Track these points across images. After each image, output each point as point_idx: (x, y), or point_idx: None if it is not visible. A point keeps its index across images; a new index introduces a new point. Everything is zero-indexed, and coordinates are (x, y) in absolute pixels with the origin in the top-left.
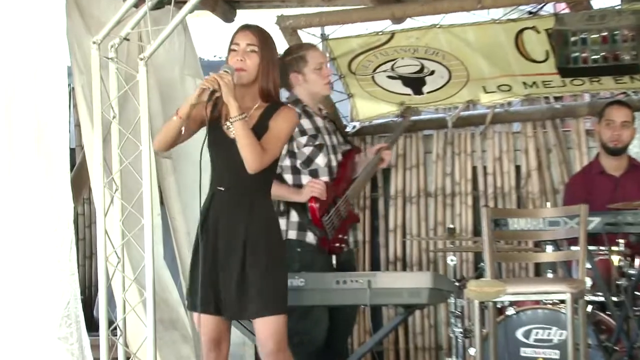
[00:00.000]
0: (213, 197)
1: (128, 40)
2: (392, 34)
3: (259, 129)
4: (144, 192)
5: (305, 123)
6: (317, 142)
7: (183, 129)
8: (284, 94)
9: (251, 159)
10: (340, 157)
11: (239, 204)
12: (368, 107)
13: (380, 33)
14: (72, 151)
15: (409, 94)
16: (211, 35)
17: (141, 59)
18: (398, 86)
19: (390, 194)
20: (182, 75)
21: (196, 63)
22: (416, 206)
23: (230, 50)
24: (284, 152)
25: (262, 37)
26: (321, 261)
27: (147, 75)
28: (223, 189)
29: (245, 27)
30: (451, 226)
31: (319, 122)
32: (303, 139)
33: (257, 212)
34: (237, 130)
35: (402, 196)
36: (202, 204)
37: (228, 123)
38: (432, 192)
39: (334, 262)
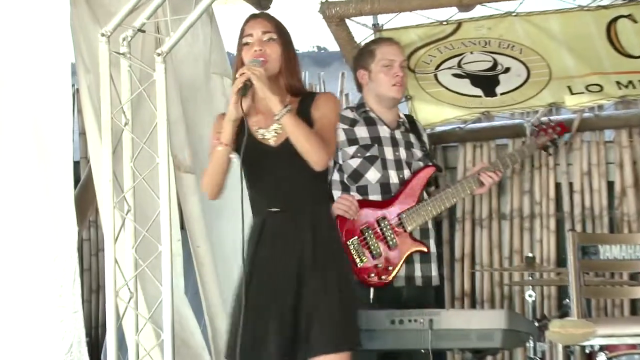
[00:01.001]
0: (265, 222)
1: (143, 32)
2: (459, 24)
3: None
4: (162, 214)
5: (361, 131)
6: (367, 154)
7: (232, 157)
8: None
9: (315, 151)
10: (407, 173)
11: (299, 226)
12: (429, 112)
13: (445, 22)
14: (77, 164)
15: (479, 96)
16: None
17: (159, 55)
18: (466, 86)
19: (457, 215)
20: (207, 73)
21: (224, 59)
22: (487, 231)
23: (242, 45)
24: (331, 163)
25: (278, 24)
26: None
27: (165, 74)
28: (278, 210)
29: (255, 16)
30: (530, 255)
31: (384, 131)
32: (351, 150)
33: (321, 232)
34: (288, 125)
35: (471, 218)
36: (244, 231)
37: (263, 131)
38: (506, 213)
39: (371, 295)
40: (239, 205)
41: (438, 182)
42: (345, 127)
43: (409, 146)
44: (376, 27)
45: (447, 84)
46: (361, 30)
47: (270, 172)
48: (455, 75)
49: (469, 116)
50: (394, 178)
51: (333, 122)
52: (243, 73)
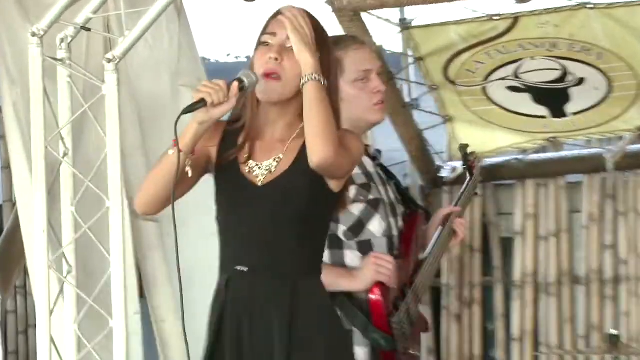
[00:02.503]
0: (229, 284)
1: (88, 30)
2: (516, 19)
3: (305, 168)
4: (114, 277)
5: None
6: (370, 197)
7: (188, 170)
8: None
9: (326, 140)
10: (400, 222)
11: (275, 291)
12: (476, 138)
13: (497, 17)
14: None
15: (544, 116)
16: (222, 24)
17: (109, 61)
18: (525, 103)
19: (514, 279)
20: (174, 86)
21: (197, 67)
22: (556, 299)
23: (260, 43)
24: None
25: (319, 28)
26: None
27: (118, 87)
28: (246, 269)
29: (289, 9)
30: (614, 332)
31: (369, 165)
32: (350, 191)
33: (304, 300)
34: (312, 91)
35: (533, 283)
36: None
37: (254, 165)
38: (581, 276)
39: None
40: (216, 264)
41: None
42: None
43: (388, 183)
44: (403, 24)
45: (500, 100)
46: (383, 28)
47: (246, 217)
48: (511, 88)
49: (530, 144)
50: (394, 229)
51: (356, 155)
52: (198, 89)
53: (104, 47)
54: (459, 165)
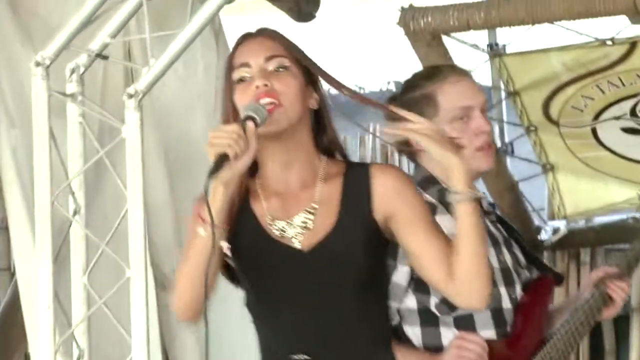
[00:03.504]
0: None
1: (105, 58)
2: (634, 44)
3: (356, 219)
4: None
5: (445, 221)
6: None
7: (225, 247)
8: None
9: (484, 277)
10: (519, 290)
11: None
12: (584, 192)
13: (610, 42)
14: None
15: None
16: None
17: (131, 96)
18: None
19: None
20: (211, 127)
21: None
22: None
23: (231, 82)
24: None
25: (290, 44)
26: None
27: (142, 129)
28: (309, 358)
29: (252, 35)
30: None
31: None
32: None
33: None
34: (469, 215)
35: None
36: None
37: (282, 224)
38: None
39: None
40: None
41: None
42: None
43: (508, 244)
44: (494, 50)
45: (614, 144)
46: (468, 54)
47: (294, 291)
48: (628, 130)
49: None
50: (505, 300)
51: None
52: (213, 142)
53: (125, 79)
54: (562, 225)
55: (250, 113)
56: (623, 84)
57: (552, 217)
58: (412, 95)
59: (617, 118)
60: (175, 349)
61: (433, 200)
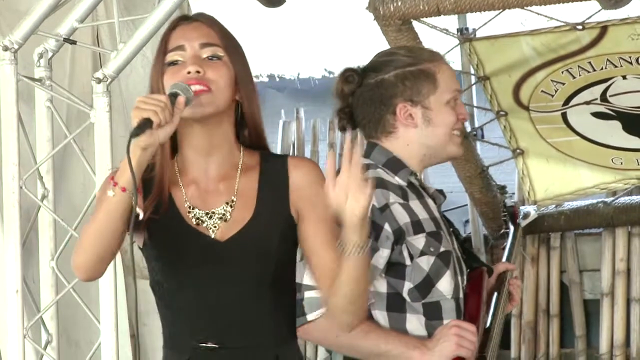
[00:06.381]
0: None
1: (74, 43)
2: (604, 28)
3: (273, 212)
4: (104, 350)
5: (417, 209)
6: (442, 249)
7: (140, 212)
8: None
9: (360, 310)
10: (465, 281)
11: None
12: (554, 177)
13: (581, 27)
14: None
15: (638, 150)
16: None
17: (99, 80)
18: (615, 133)
19: (601, 352)
20: None
21: None
22: None
23: (164, 65)
24: (377, 263)
25: (226, 32)
26: None
27: (110, 114)
28: (213, 346)
29: (189, 19)
30: None
31: (433, 207)
32: (418, 241)
33: None
34: (356, 268)
35: (623, 355)
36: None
37: (199, 213)
38: None
39: None
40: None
41: None
42: (401, 201)
43: (449, 230)
44: (464, 35)
45: (584, 129)
46: (438, 40)
47: (207, 279)
48: (598, 114)
49: (621, 184)
50: (461, 290)
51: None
52: (140, 107)
53: (93, 63)
54: (532, 209)
55: (176, 90)
56: (594, 69)
57: (522, 202)
58: (409, 70)
59: (588, 103)
60: (144, 334)
61: (404, 184)
